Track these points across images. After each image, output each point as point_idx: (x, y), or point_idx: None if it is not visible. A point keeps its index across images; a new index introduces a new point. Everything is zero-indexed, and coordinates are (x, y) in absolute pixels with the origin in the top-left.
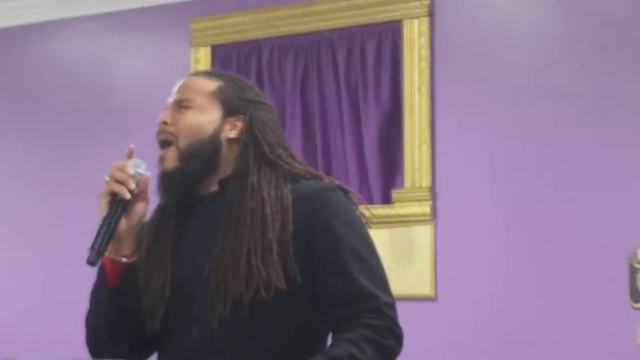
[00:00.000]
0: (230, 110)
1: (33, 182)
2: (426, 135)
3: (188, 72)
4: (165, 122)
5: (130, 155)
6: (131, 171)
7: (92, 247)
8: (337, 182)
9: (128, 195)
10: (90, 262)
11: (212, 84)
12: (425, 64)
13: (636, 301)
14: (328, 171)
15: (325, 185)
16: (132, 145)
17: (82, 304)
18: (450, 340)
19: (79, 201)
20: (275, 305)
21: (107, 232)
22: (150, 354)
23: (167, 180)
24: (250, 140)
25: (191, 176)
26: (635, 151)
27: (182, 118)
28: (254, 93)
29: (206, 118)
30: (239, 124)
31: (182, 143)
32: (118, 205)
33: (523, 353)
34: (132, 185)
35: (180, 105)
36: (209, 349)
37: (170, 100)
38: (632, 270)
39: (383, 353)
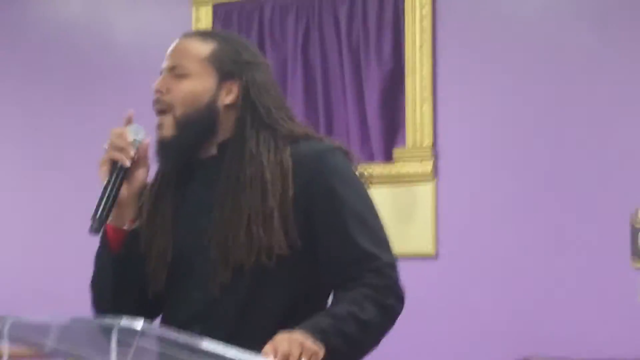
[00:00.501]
0: (225, 75)
1: (31, 141)
2: (428, 93)
3: (189, 31)
4: (160, 91)
5: (129, 122)
6: (130, 138)
7: (94, 216)
8: (336, 142)
9: (128, 163)
10: (93, 231)
11: (205, 48)
12: (427, 23)
13: (638, 260)
14: (329, 130)
15: (325, 147)
16: (131, 111)
17: (84, 264)
18: (451, 298)
19: (78, 159)
20: (276, 271)
21: (109, 200)
22: (154, 316)
23: (164, 148)
24: (247, 105)
25: (188, 144)
26: (638, 110)
27: (177, 87)
28: (249, 53)
29: (201, 86)
30: (235, 89)
31: (178, 112)
32: (118, 173)
33: (523, 311)
34: (132, 152)
35: (175, 72)
36: (211, 314)
37: (164, 65)
38: (634, 230)
39: (384, 312)
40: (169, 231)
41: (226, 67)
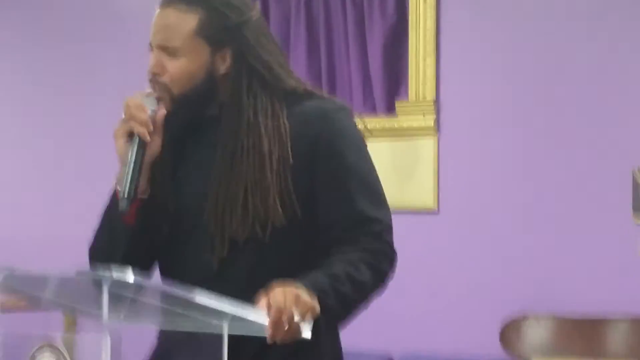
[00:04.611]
0: (216, 44)
1: (33, 87)
2: (431, 47)
3: None
4: (155, 73)
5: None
6: (149, 112)
7: (123, 197)
8: (339, 101)
9: (149, 138)
10: (124, 210)
11: (192, 20)
12: None
13: (639, 216)
14: (332, 82)
15: (330, 106)
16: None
17: (82, 212)
18: (452, 252)
19: (81, 104)
20: (274, 243)
21: (134, 177)
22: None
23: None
24: (241, 70)
25: (185, 119)
26: None
27: (172, 67)
28: (236, 12)
29: (196, 64)
30: (227, 56)
31: (175, 91)
32: (141, 148)
33: (523, 265)
34: (152, 127)
35: (167, 51)
36: (210, 286)
37: (153, 41)
38: (636, 185)
39: (378, 276)
40: (170, 185)
41: (216, 36)
